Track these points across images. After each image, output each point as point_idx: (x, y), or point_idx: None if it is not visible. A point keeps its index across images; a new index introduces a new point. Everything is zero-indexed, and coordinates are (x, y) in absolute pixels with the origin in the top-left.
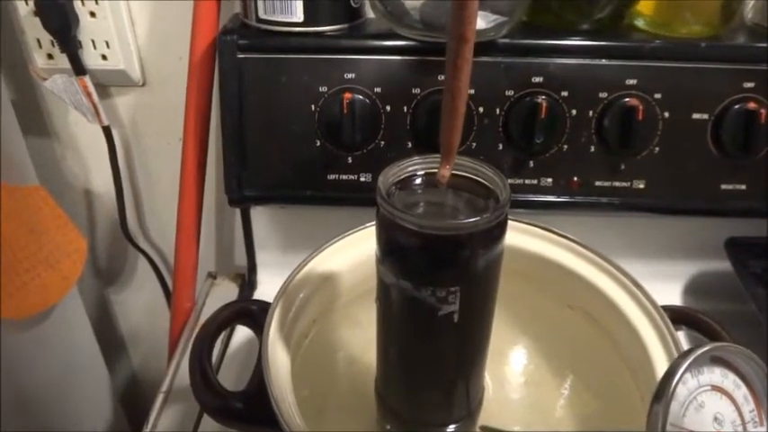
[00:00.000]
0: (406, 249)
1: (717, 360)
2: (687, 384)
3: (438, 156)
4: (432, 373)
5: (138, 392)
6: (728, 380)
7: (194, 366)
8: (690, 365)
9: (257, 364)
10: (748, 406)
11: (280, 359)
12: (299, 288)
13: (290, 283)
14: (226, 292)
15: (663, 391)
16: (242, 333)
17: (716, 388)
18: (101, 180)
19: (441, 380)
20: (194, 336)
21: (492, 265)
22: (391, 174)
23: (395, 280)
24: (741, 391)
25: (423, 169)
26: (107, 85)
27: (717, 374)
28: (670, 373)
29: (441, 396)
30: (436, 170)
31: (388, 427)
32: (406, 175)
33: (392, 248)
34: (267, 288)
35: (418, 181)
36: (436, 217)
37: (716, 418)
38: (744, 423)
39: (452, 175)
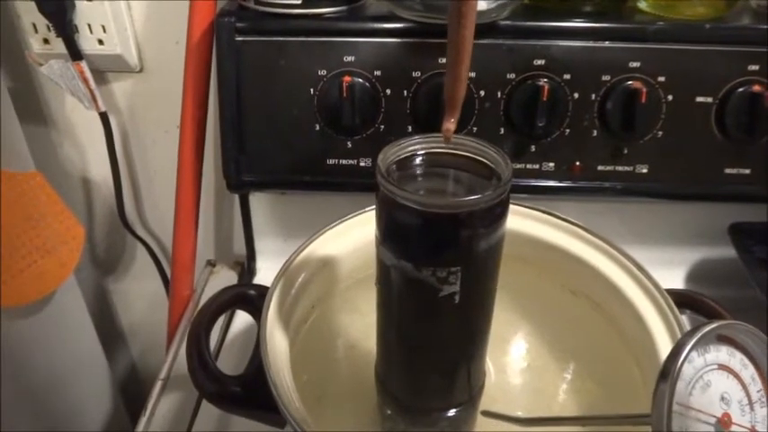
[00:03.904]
0: (407, 229)
1: (723, 339)
2: (693, 363)
3: (439, 135)
4: (433, 357)
5: (138, 381)
6: (735, 359)
7: (192, 351)
8: (696, 343)
9: (255, 348)
10: (755, 386)
11: (278, 343)
12: (298, 272)
13: (290, 266)
14: (225, 279)
15: (669, 370)
16: (240, 321)
17: (723, 367)
18: (98, 167)
19: (442, 363)
20: (192, 320)
21: (493, 244)
22: (391, 153)
23: (395, 261)
24: (748, 371)
25: (423, 149)
26: (104, 70)
27: (723, 353)
28: (676, 351)
29: (442, 380)
30: (437, 149)
31: (389, 412)
32: (407, 154)
33: (392, 228)
34: (266, 275)
35: (419, 160)
36: (437, 195)
37: (723, 398)
38: (751, 403)
39: (454, 154)
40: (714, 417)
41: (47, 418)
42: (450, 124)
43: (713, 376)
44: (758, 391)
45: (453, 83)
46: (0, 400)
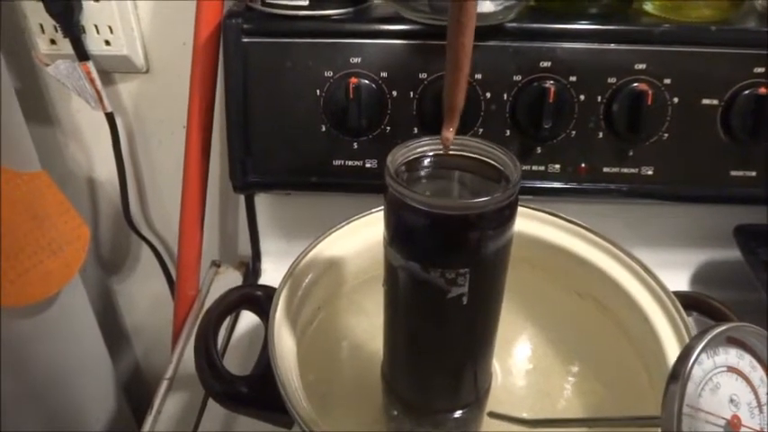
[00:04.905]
0: (416, 230)
1: (733, 341)
2: (703, 365)
3: None
4: (439, 358)
5: (141, 382)
6: (744, 361)
7: (200, 350)
8: (706, 345)
9: (262, 349)
10: (764, 388)
11: (285, 343)
12: (305, 273)
13: (296, 267)
14: (230, 280)
15: (679, 372)
16: (245, 322)
17: (732, 369)
18: (104, 168)
19: (449, 364)
20: (199, 320)
21: (502, 246)
22: (400, 154)
23: (403, 262)
24: (757, 373)
25: (431, 150)
26: (110, 71)
27: (732, 355)
28: (686, 353)
29: (448, 381)
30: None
31: (395, 412)
32: (415, 155)
33: (401, 229)
34: (271, 276)
35: (427, 162)
36: (446, 197)
37: (732, 400)
38: (760, 405)
39: (462, 156)
40: (724, 419)
41: (50, 418)
42: (449, 133)
43: (722, 378)
44: (767, 394)
45: (452, 92)
46: (3, 398)
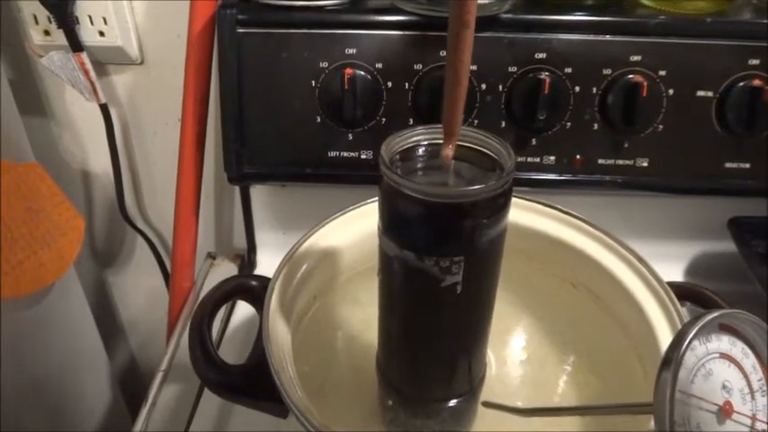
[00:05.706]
0: (410, 218)
1: (725, 328)
2: (695, 351)
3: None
4: (434, 346)
5: (136, 375)
6: (737, 348)
7: (194, 340)
8: (698, 332)
9: (257, 339)
10: (756, 375)
11: (280, 332)
12: (300, 263)
13: (291, 257)
14: (225, 272)
15: (671, 358)
16: (240, 314)
17: (724, 356)
18: (98, 159)
19: (443, 353)
20: (194, 310)
21: (496, 235)
22: (395, 143)
23: (398, 251)
24: (749, 360)
25: (426, 140)
26: (104, 62)
27: (725, 342)
28: (679, 339)
29: (443, 370)
30: (440, 140)
31: (390, 402)
32: (410, 145)
33: (395, 218)
34: (267, 268)
35: (421, 151)
36: (440, 185)
37: (724, 386)
38: (752, 392)
39: (457, 145)
40: (716, 405)
41: (46, 410)
42: (449, 150)
43: (715, 365)
44: (759, 380)
45: (451, 112)
46: (0, 391)
